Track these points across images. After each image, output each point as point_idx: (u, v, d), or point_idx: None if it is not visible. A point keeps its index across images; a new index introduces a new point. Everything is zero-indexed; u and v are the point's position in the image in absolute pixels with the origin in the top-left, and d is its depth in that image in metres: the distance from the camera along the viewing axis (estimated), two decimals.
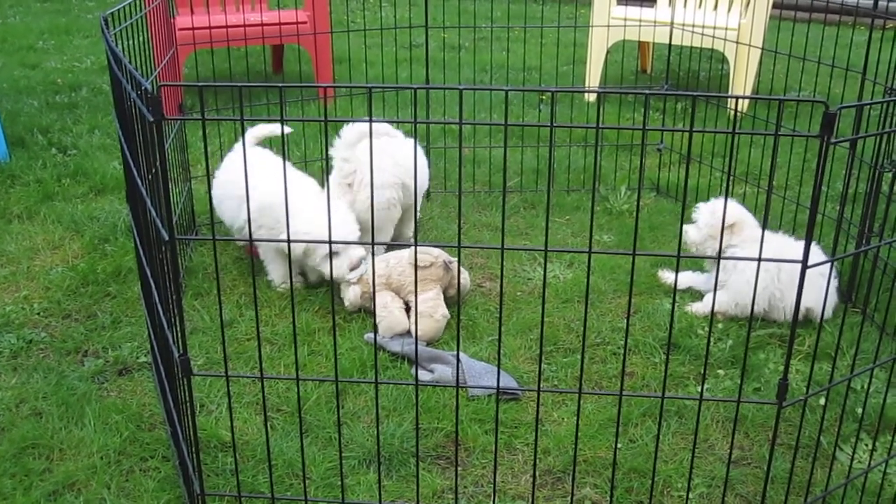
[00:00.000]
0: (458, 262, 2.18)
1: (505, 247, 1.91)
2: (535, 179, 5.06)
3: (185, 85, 1.68)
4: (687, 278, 3.94)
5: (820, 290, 3.35)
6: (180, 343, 2.03)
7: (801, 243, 3.56)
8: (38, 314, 3.66)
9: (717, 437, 2.96)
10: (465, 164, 5.18)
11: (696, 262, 4.07)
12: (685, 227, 3.81)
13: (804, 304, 3.54)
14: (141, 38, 3.23)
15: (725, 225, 3.64)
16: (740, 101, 5.18)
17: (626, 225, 4.58)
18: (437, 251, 3.70)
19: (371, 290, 3.61)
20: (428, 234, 4.43)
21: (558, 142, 5.51)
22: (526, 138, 5.55)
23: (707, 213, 3.78)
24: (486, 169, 5.12)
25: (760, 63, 5.92)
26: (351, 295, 3.68)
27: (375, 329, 3.47)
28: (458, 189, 1.85)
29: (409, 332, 3.52)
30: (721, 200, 3.86)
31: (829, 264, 3.31)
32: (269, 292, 3.85)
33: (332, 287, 2.05)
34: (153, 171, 2.05)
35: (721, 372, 3.30)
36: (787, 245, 3.62)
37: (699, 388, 3.18)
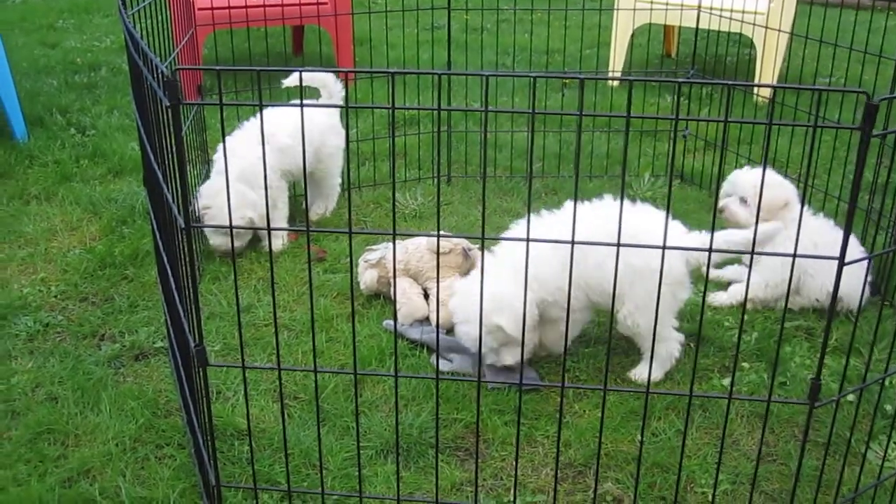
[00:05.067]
0: (483, 250, 2.13)
1: (530, 238, 1.86)
2: (557, 164, 5.00)
3: (202, 69, 1.63)
4: (733, 272, 3.86)
5: (855, 280, 3.24)
6: (196, 333, 1.99)
7: (838, 230, 3.48)
8: (56, 297, 3.65)
9: (741, 433, 2.90)
10: (487, 147, 5.10)
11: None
12: (726, 202, 3.64)
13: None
14: (160, 19, 3.18)
15: (782, 201, 3.51)
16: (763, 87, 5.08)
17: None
18: (456, 238, 3.66)
19: (390, 275, 3.57)
20: (448, 220, 4.38)
21: (582, 126, 5.44)
22: (548, 122, 5.48)
23: (754, 188, 3.56)
24: (507, 153, 5.06)
25: (789, 48, 5.81)
26: (367, 278, 3.65)
27: (395, 317, 3.43)
28: (483, 175, 1.80)
29: (427, 318, 3.49)
30: (757, 170, 3.72)
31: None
32: (287, 277, 3.82)
33: (351, 274, 2.00)
34: (170, 156, 2.01)
35: (746, 365, 3.24)
36: (825, 229, 3.54)
37: (724, 382, 3.13)
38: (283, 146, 4.00)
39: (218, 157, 3.99)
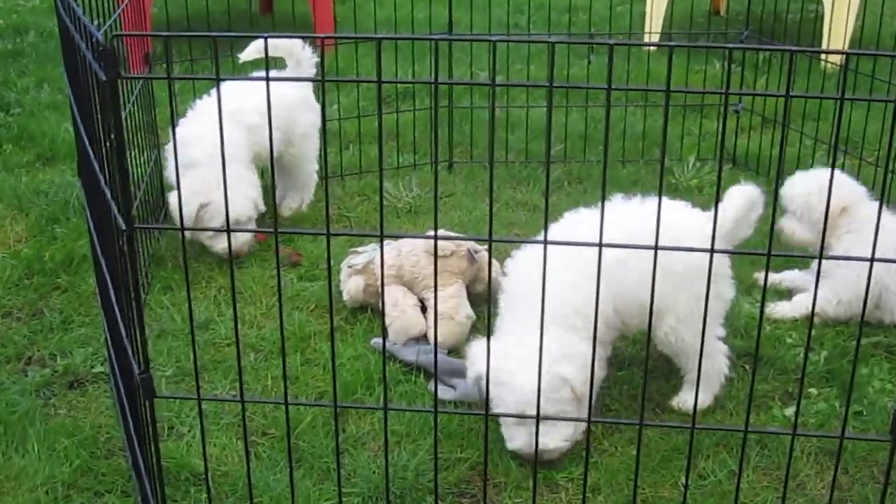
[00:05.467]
0: (490, 252, 2.11)
1: (548, 241, 1.83)
2: (583, 147, 4.98)
3: (146, 35, 1.61)
4: (794, 277, 3.86)
5: None
6: (140, 357, 1.98)
7: None
8: None
9: (808, 474, 2.88)
10: (496, 127, 5.09)
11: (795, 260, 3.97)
12: (782, 222, 3.67)
13: None
14: None
15: (838, 208, 3.54)
16: (833, 53, 5.04)
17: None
18: (459, 238, 3.65)
19: (378, 283, 3.55)
20: (449, 214, 4.37)
21: (612, 101, 5.42)
22: (571, 96, 5.46)
23: (804, 196, 3.62)
24: (521, 134, 5.05)
25: (864, 4, 5.78)
26: (351, 287, 3.63)
27: (384, 333, 3.42)
28: (490, 160, 1.78)
29: (425, 336, 3.48)
30: (816, 173, 3.73)
31: None
32: (255, 286, 3.81)
33: (329, 282, 1.98)
34: (108, 141, 1.99)
35: (814, 391, 3.23)
36: None
37: (786, 412, 3.11)
38: (252, 124, 4.00)
39: (183, 145, 3.95)
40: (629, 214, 2.97)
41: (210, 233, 3.97)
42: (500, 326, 3.00)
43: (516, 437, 2.86)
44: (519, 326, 2.85)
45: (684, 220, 3.03)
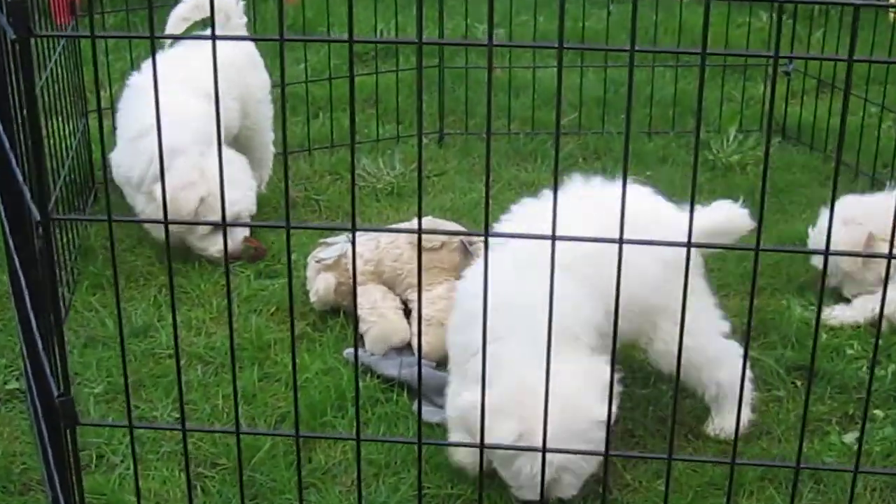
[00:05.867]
0: (486, 246, 2.09)
1: (556, 235, 1.82)
2: (601, 114, 4.98)
3: None
4: None
5: None
6: (60, 377, 1.97)
7: None
8: None
9: None
10: (496, 92, 5.08)
11: None
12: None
13: None
14: None
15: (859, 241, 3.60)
16: None
17: (736, 185, 4.50)
18: (450, 226, 3.64)
19: (351, 281, 3.55)
20: (439, 197, 4.36)
21: (637, 60, 5.41)
22: (587, 53, 5.44)
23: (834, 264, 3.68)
24: (527, 100, 5.04)
25: None
26: (320, 286, 3.63)
27: (358, 341, 3.41)
28: (487, 131, 1.76)
29: (409, 346, 3.48)
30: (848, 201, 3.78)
31: None
32: (204, 285, 3.80)
33: (289, 281, 1.97)
34: (20, 112, 1.98)
35: (879, 413, 3.24)
36: None
37: (846, 439, 3.12)
38: (211, 93, 3.98)
39: (139, 122, 3.91)
40: (596, 202, 2.94)
41: (200, 233, 3.91)
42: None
43: (528, 492, 2.80)
44: (514, 351, 2.78)
45: (653, 207, 3.04)
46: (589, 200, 2.96)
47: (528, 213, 3.02)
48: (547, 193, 2.99)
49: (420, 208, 2.01)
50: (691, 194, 1.87)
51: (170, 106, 3.73)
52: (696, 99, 1.68)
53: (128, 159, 3.97)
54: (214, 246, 3.88)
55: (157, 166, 3.80)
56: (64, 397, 1.97)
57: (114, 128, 4.17)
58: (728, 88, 5.23)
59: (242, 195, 3.95)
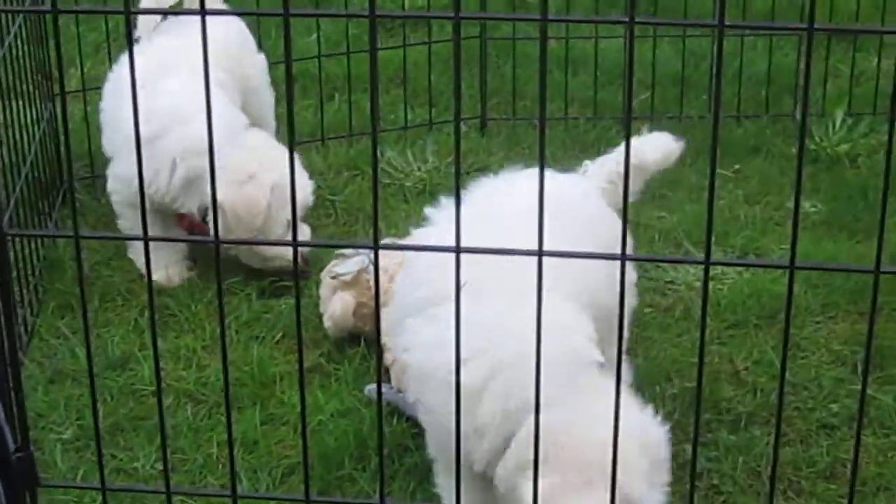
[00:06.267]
0: (540, 265, 2.06)
1: (626, 256, 1.79)
2: (678, 95, 4.97)
3: None
4: None
5: None
6: (18, 427, 1.95)
7: None
8: None
9: None
10: (551, 68, 5.05)
11: None
12: None
13: None
14: None
15: None
16: None
17: (845, 181, 4.48)
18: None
19: (374, 302, 3.54)
20: None
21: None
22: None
23: None
24: (587, 78, 5.03)
25: None
26: (337, 308, 3.62)
27: (382, 376, 3.40)
28: (540, 116, 1.73)
29: None
30: None
31: None
32: (195, 306, 3.81)
33: (297, 303, 1.95)
34: None
35: None
36: None
37: None
38: (218, 81, 4.01)
39: (150, 121, 3.93)
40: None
41: (279, 232, 3.78)
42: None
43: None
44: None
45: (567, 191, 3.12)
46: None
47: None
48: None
49: (458, 212, 1.97)
50: (795, 193, 1.82)
51: (194, 95, 3.78)
52: (804, 77, 1.64)
53: (141, 170, 3.97)
54: (285, 258, 3.71)
55: (183, 171, 3.88)
56: (22, 453, 1.96)
57: (101, 132, 4.17)
58: (834, 61, 5.19)
59: (306, 184, 3.97)
